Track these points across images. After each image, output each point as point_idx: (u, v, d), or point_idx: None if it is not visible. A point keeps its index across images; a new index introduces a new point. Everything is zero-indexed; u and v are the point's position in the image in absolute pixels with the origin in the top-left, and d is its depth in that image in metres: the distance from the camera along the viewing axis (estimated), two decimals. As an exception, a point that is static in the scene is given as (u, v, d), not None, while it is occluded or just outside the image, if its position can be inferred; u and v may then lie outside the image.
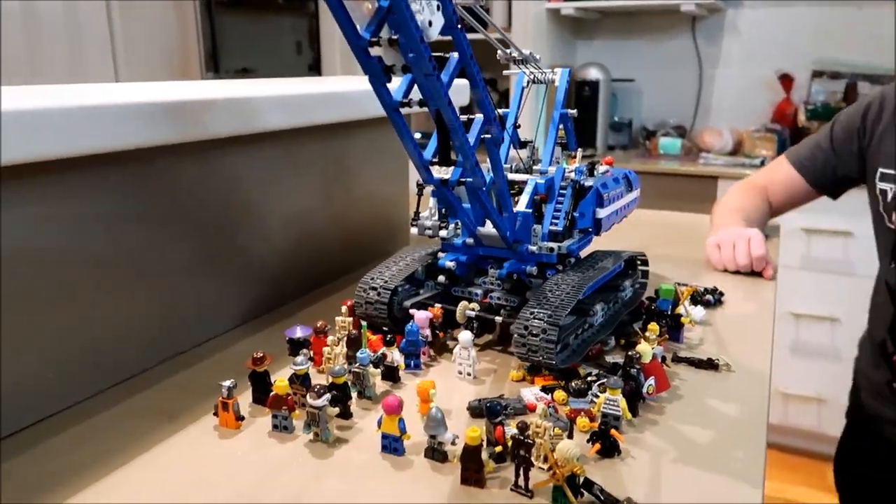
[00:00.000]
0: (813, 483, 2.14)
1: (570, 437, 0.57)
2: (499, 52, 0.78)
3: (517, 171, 0.84)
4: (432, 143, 0.64)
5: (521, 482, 0.51)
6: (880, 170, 1.12)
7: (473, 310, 0.76)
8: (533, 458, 0.52)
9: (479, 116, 0.64)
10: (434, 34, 0.54)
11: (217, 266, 0.81)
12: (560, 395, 0.64)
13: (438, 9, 0.54)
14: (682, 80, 2.75)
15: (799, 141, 2.43)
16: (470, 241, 0.78)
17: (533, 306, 0.68)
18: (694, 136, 2.65)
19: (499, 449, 0.54)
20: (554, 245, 0.74)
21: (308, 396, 0.57)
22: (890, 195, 1.10)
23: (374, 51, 0.54)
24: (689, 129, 2.71)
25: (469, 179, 0.64)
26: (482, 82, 0.65)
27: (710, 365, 0.72)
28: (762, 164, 2.34)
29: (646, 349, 0.65)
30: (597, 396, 0.63)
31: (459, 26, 0.57)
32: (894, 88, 1.14)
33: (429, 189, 0.75)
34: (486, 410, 0.56)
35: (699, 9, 2.44)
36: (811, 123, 2.45)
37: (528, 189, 0.76)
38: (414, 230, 0.79)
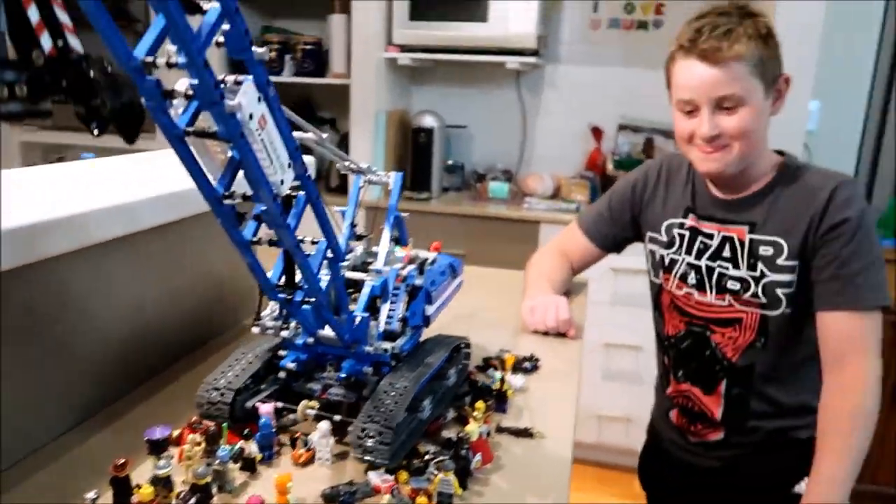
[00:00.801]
0: (622, 493, 2.43)
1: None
2: (338, 164, 0.88)
3: (354, 269, 0.90)
4: (277, 268, 0.72)
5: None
6: (649, 234, 1.34)
7: (313, 408, 0.82)
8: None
9: (322, 241, 0.73)
10: (285, 190, 0.62)
11: (49, 368, 0.80)
12: (402, 475, 0.74)
13: (290, 166, 0.61)
14: (508, 127, 3.00)
15: (607, 187, 2.77)
16: (310, 340, 0.83)
17: (369, 411, 0.75)
18: (519, 180, 2.90)
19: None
20: (388, 345, 0.82)
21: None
22: (657, 255, 1.32)
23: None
24: (515, 174, 2.96)
25: (313, 300, 0.71)
26: (326, 219, 0.72)
27: (526, 434, 0.86)
28: (577, 209, 2.63)
29: (473, 429, 0.77)
30: (434, 474, 0.74)
31: (308, 174, 0.65)
32: (657, 165, 1.36)
33: None
34: (339, 499, 0.64)
35: (522, 65, 2.68)
36: (617, 172, 2.78)
37: (365, 292, 0.84)
38: (256, 330, 0.83)
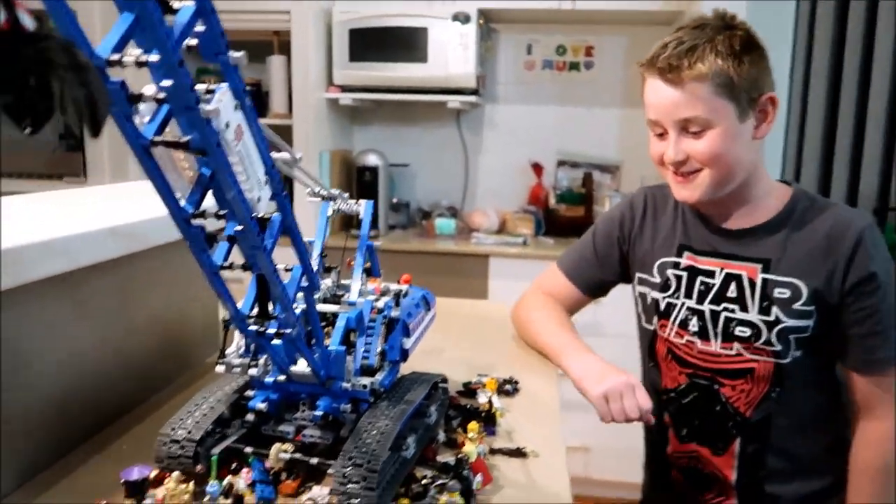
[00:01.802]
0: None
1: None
2: (308, 189, 0.85)
3: (325, 301, 0.85)
4: (249, 297, 0.66)
5: None
6: (638, 275, 1.21)
7: (287, 451, 0.75)
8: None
9: (296, 266, 0.68)
10: (263, 209, 0.56)
11: None
12: (403, 502, 0.71)
13: (266, 182, 0.57)
14: (450, 164, 3.03)
15: (552, 221, 2.84)
16: (281, 377, 0.75)
17: (350, 453, 0.68)
18: (465, 216, 2.92)
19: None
20: (367, 381, 0.76)
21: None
22: (649, 299, 1.18)
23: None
24: (459, 210, 2.98)
25: (289, 331, 0.65)
26: (301, 240, 0.67)
27: (519, 453, 0.84)
28: (524, 242, 2.66)
29: (471, 450, 0.74)
30: (436, 498, 0.71)
31: (285, 193, 0.61)
32: (640, 197, 1.24)
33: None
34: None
35: (462, 104, 2.73)
36: (560, 205, 2.84)
37: (340, 324, 0.78)
38: (220, 368, 0.76)
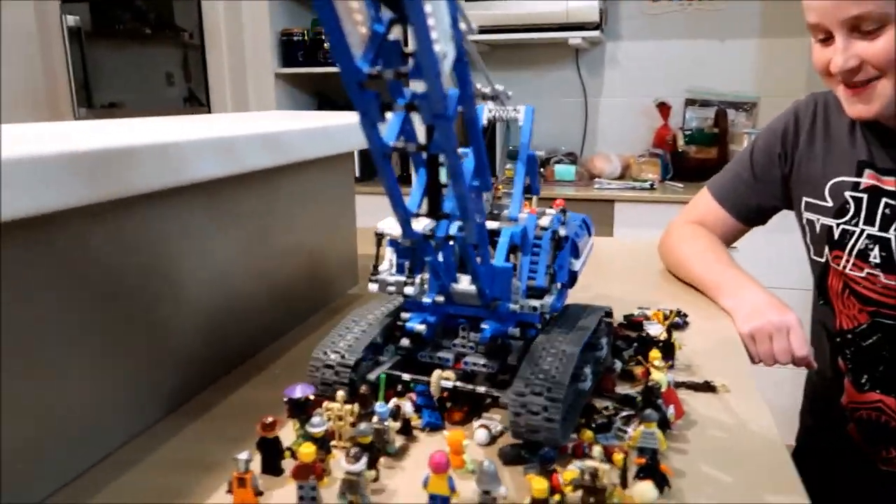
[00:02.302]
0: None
1: (625, 481, 0.55)
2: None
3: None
4: (416, 193, 0.59)
5: (592, 531, 0.49)
6: (805, 199, 1.08)
7: (449, 379, 0.68)
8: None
9: (468, 156, 0.61)
10: (448, 67, 0.49)
11: (133, 348, 0.66)
12: (587, 433, 0.62)
13: (452, 38, 0.49)
14: (569, 108, 2.88)
15: (680, 164, 2.65)
16: (439, 298, 0.69)
17: (527, 380, 0.60)
18: (584, 161, 2.77)
19: (557, 498, 0.52)
20: (536, 303, 0.68)
21: (344, 461, 0.52)
22: (818, 227, 1.06)
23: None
24: (579, 156, 2.83)
25: (461, 234, 0.57)
26: (479, 122, 0.62)
27: (708, 387, 0.74)
28: (652, 186, 2.49)
29: (661, 378, 0.65)
30: (622, 430, 0.63)
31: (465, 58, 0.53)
32: (808, 105, 1.10)
33: (387, 239, 0.72)
34: (540, 457, 0.53)
35: (584, 41, 2.57)
36: (689, 147, 2.64)
37: (504, 240, 0.70)
38: (373, 287, 0.70)
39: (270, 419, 0.57)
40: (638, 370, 0.75)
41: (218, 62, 2.75)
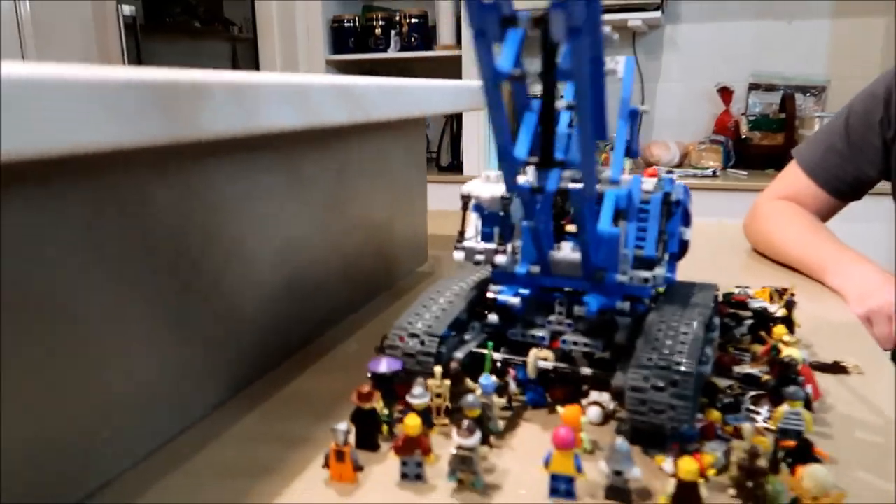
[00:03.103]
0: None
1: (776, 465, 0.48)
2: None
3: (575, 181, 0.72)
4: (523, 138, 0.49)
5: (747, 520, 0.42)
6: None
7: (546, 359, 0.60)
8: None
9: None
10: None
11: (199, 320, 0.59)
12: (713, 413, 0.56)
13: None
14: (625, 94, 2.78)
15: (744, 151, 2.53)
16: (535, 269, 0.62)
17: (648, 356, 0.53)
18: (640, 149, 2.68)
19: (701, 482, 0.45)
20: (648, 274, 0.59)
21: (456, 434, 0.46)
22: None
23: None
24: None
25: (580, 186, 0.50)
26: (602, 53, 0.54)
27: (838, 369, 0.66)
28: (714, 174, 2.39)
29: (796, 353, 0.58)
30: (753, 411, 0.56)
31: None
32: None
33: (472, 204, 0.65)
34: (679, 436, 0.46)
35: (644, 22, 2.47)
36: (753, 133, 2.53)
37: (608, 203, 0.61)
38: (459, 255, 0.64)
39: (367, 389, 0.52)
40: (756, 348, 0.67)
41: (270, 53, 2.73)
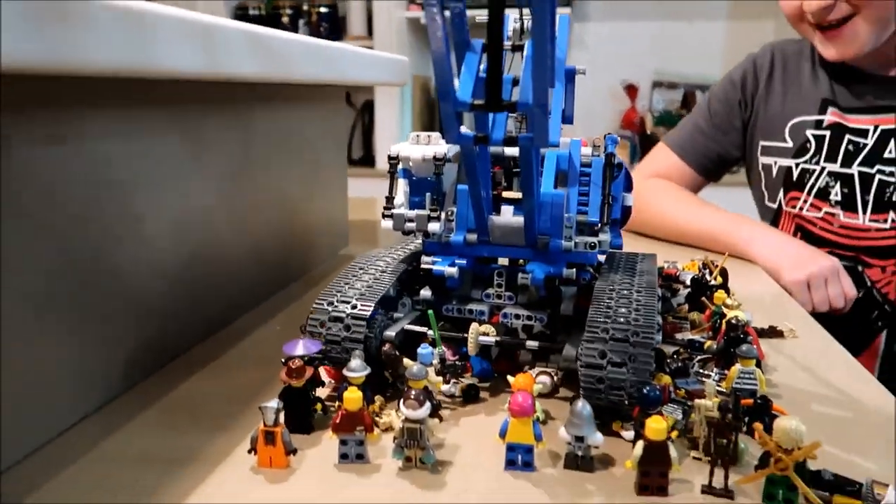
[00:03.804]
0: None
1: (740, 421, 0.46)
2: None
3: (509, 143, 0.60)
4: (467, 79, 0.43)
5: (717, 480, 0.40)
6: (762, 143, 1.07)
7: (488, 334, 0.56)
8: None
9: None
10: None
11: (88, 301, 0.49)
12: (663, 377, 0.53)
13: None
14: (536, 91, 2.82)
15: (650, 145, 2.60)
16: (472, 237, 0.58)
17: (600, 325, 0.48)
18: (553, 144, 2.71)
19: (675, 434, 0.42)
20: (594, 239, 0.56)
21: (405, 406, 0.41)
22: (775, 169, 1.04)
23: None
24: (547, 138, 2.77)
25: (530, 135, 0.43)
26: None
27: (774, 333, 0.66)
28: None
29: (741, 314, 0.57)
30: (701, 375, 0.54)
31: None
32: (765, 53, 1.10)
33: (400, 169, 0.60)
34: (643, 398, 0.43)
35: (554, 20, 2.50)
36: (658, 128, 2.62)
37: (550, 165, 0.59)
38: (387, 224, 0.58)
39: (298, 363, 0.46)
40: (695, 316, 0.66)
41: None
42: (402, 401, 0.42)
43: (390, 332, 0.56)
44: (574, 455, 0.42)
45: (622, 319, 0.48)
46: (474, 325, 0.56)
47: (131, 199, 0.54)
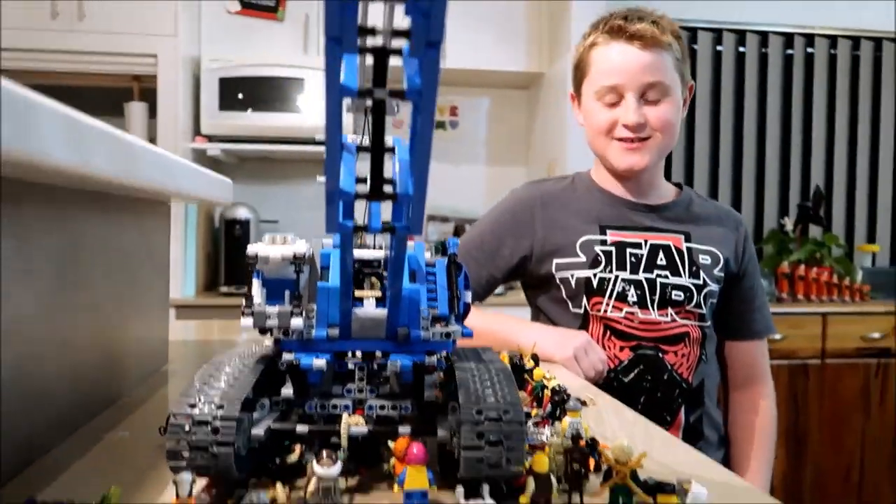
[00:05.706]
0: None
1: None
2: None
3: (361, 247, 0.68)
4: (348, 172, 0.45)
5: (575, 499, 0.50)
6: (556, 261, 1.16)
7: (360, 424, 0.57)
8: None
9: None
10: None
11: None
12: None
13: None
14: (319, 221, 2.93)
15: (429, 272, 2.84)
16: (333, 332, 0.59)
17: (476, 406, 0.52)
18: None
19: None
20: (448, 329, 0.60)
21: (317, 465, 0.46)
22: (575, 280, 1.14)
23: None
24: (333, 267, 2.88)
25: (404, 224, 0.48)
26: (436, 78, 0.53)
27: (581, 402, 0.80)
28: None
29: (553, 381, 0.70)
30: (537, 433, 0.65)
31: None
32: (525, 191, 1.25)
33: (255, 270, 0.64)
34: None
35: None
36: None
37: (405, 262, 0.61)
38: (247, 322, 0.58)
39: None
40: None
41: None
42: (314, 460, 0.46)
43: (258, 431, 0.56)
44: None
45: (491, 400, 0.53)
46: (345, 416, 0.58)
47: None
